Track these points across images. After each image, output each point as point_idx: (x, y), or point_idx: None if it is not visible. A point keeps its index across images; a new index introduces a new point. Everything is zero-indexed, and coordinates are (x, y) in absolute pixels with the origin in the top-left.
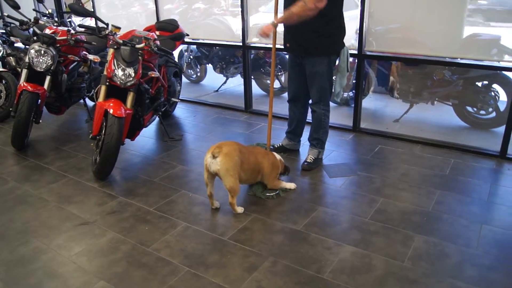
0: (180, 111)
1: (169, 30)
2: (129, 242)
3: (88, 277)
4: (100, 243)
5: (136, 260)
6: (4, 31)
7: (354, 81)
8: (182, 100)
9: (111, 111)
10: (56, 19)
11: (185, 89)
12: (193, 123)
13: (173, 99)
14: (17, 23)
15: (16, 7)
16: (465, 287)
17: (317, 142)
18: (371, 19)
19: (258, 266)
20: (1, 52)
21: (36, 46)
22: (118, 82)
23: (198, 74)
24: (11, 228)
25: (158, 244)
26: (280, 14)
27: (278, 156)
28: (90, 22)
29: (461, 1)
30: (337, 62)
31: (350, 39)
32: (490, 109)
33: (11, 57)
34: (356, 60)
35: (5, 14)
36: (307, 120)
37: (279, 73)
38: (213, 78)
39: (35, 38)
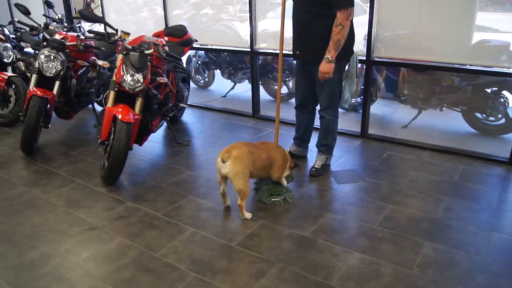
0: (188, 117)
1: (178, 36)
2: (137, 247)
3: (96, 282)
4: (108, 248)
5: (144, 265)
6: (14, 36)
7: (362, 87)
8: (190, 106)
9: (119, 116)
10: (66, 24)
11: (193, 94)
12: (201, 128)
13: (181, 105)
14: (28, 29)
15: (27, 12)
16: None
17: (325, 148)
18: (379, 25)
19: (266, 272)
20: (12, 57)
21: (45, 51)
22: (127, 88)
23: (206, 79)
24: (19, 232)
25: (165, 249)
26: (283, 18)
27: (287, 151)
28: (99, 27)
29: (470, 7)
30: (346, 68)
31: (359, 45)
32: (500, 116)
33: (21, 62)
34: (365, 66)
35: (16, 19)
36: (315, 126)
37: (287, 79)
38: (221, 83)
39: (45, 43)
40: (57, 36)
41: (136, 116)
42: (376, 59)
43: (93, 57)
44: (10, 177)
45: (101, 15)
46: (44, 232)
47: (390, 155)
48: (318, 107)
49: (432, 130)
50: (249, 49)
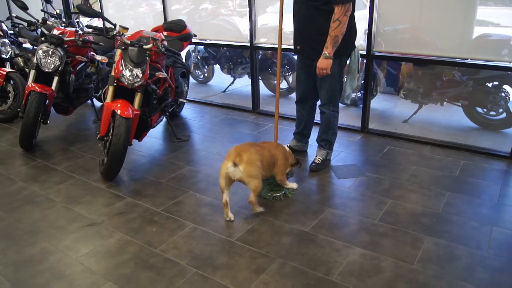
0: (188, 112)
1: (177, 31)
2: (137, 243)
3: (96, 278)
4: (108, 244)
5: (144, 261)
6: (12, 32)
7: (362, 82)
8: (190, 101)
9: (118, 111)
10: (64, 19)
11: (192, 89)
12: (201, 123)
13: (181, 100)
14: (25, 24)
15: (24, 8)
16: None
17: (326, 143)
18: (380, 20)
19: (266, 268)
20: (10, 53)
21: (44, 47)
22: (126, 83)
23: (206, 74)
24: (19, 229)
25: (165, 245)
26: (282, 15)
27: (287, 148)
28: (98, 22)
29: (470, 1)
30: (347, 63)
31: (359, 40)
32: (501, 110)
33: (19, 58)
34: (365, 61)
35: (14, 15)
36: (315, 121)
37: (287, 74)
38: (220, 78)
39: (43, 39)
40: (55, 32)
41: (135, 112)
42: (377, 54)
43: (92, 52)
44: (9, 173)
45: (100, 10)
46: (44, 228)
47: (391, 150)
48: (318, 102)
49: (432, 125)
50: (248, 44)
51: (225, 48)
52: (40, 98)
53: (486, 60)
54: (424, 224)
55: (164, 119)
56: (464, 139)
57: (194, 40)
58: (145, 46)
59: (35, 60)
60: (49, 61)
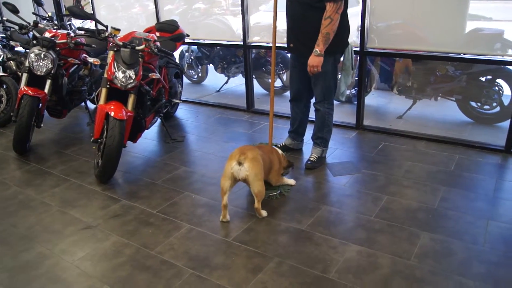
0: (182, 112)
1: (169, 31)
2: (133, 245)
3: (92, 281)
4: (104, 247)
5: (140, 263)
6: (4, 35)
7: (356, 78)
8: (184, 101)
9: (112, 113)
10: (56, 22)
11: (186, 89)
12: (195, 124)
13: (175, 100)
14: (17, 27)
15: (15, 11)
16: (472, 284)
17: (321, 141)
18: (372, 16)
19: (263, 267)
20: (2, 57)
21: (36, 50)
22: (119, 85)
23: (200, 74)
24: (14, 234)
25: (162, 247)
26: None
27: (280, 151)
28: (90, 25)
29: None
30: (341, 60)
31: (352, 36)
32: (494, 104)
33: (11, 62)
34: (358, 57)
35: (5, 18)
36: (310, 119)
37: (281, 72)
38: (214, 78)
39: (34, 42)
40: (47, 34)
41: (129, 113)
42: (370, 50)
43: (84, 55)
44: (3, 178)
45: (92, 12)
46: (39, 232)
47: (386, 146)
48: (313, 100)
49: (427, 120)
50: (242, 43)
51: (218, 47)
52: (33, 101)
53: (479, 54)
54: (420, 219)
55: (159, 120)
56: (458, 134)
57: (187, 40)
58: (137, 47)
59: (27, 64)
60: (41, 64)
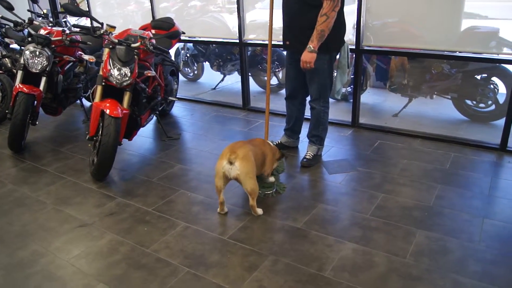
0: (178, 110)
1: (165, 29)
2: (128, 243)
3: (88, 279)
4: (99, 245)
5: (136, 261)
6: None
7: (352, 77)
8: (180, 99)
9: (107, 111)
10: (51, 19)
11: (182, 87)
12: (191, 121)
13: (170, 98)
14: (12, 24)
15: (10, 8)
16: (468, 283)
17: (316, 138)
18: (368, 14)
19: (259, 265)
20: None
21: (30, 47)
22: (114, 82)
23: (195, 72)
24: (9, 232)
25: (157, 245)
26: (275, 12)
27: (271, 143)
28: (85, 22)
29: None
30: (337, 58)
31: (348, 34)
32: (490, 102)
33: (6, 59)
34: (354, 55)
35: None
36: (306, 117)
37: (277, 70)
38: (210, 76)
39: (29, 39)
40: (42, 32)
41: (124, 111)
42: (366, 48)
43: (80, 52)
44: None
45: (87, 9)
46: (34, 230)
47: (382, 144)
48: (308, 98)
49: (422, 118)
50: (237, 41)
51: (214, 45)
52: (28, 99)
53: (474, 52)
54: (416, 217)
55: (154, 117)
56: (454, 132)
57: (183, 37)
58: (133, 45)
59: (22, 61)
60: (36, 61)
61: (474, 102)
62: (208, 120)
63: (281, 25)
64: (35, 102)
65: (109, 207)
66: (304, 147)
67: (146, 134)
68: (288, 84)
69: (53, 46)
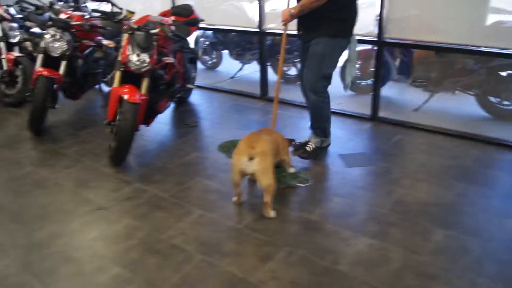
0: (196, 98)
1: (184, 15)
2: (144, 228)
3: (104, 262)
4: (116, 229)
5: (151, 246)
6: (21, 16)
7: (373, 69)
8: (198, 87)
9: (125, 97)
10: (72, 4)
11: (200, 75)
12: (209, 110)
13: (188, 86)
14: (33, 8)
15: None
16: (486, 283)
17: (319, 130)
18: (391, 5)
19: (273, 255)
20: (18, 37)
21: (51, 31)
22: (133, 68)
23: (214, 60)
24: (27, 213)
25: (172, 231)
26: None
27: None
28: (105, 7)
29: None
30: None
31: (369, 26)
32: None
33: (28, 42)
34: (376, 48)
35: None
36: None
37: (296, 60)
38: (229, 64)
39: (50, 23)
40: (63, 16)
41: (142, 97)
42: (388, 40)
43: (99, 37)
44: (18, 157)
45: None
46: (52, 212)
47: (401, 139)
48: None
49: (444, 114)
50: (257, 30)
51: (233, 33)
52: (48, 82)
53: (500, 48)
54: (435, 215)
55: (172, 104)
56: (476, 129)
57: (202, 25)
58: (152, 31)
59: (42, 45)
60: (56, 45)
61: (498, 99)
62: (226, 109)
63: None
64: (55, 85)
65: (126, 192)
66: (333, 141)
67: (164, 121)
68: (302, 75)
69: (73, 30)
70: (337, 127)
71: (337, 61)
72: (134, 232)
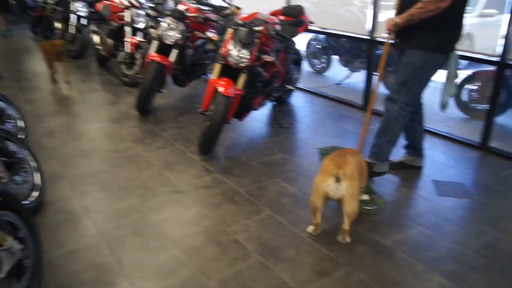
0: (297, 100)
1: (293, 16)
2: (213, 218)
3: (167, 242)
4: (187, 214)
5: (214, 237)
6: (152, 5)
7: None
8: (300, 89)
9: (220, 89)
10: None
11: (306, 78)
12: (306, 113)
13: (289, 87)
14: None
15: None
16: None
17: (376, 150)
18: None
19: (331, 272)
20: (145, 24)
21: (168, 20)
22: (232, 62)
23: (324, 65)
24: (115, 183)
25: (238, 226)
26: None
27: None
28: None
29: None
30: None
31: (494, 45)
32: None
33: (151, 29)
34: (496, 69)
35: None
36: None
37: None
38: (337, 70)
39: (168, 12)
40: (181, 7)
41: (237, 91)
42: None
43: (211, 30)
44: (121, 132)
45: None
46: (136, 187)
47: (510, 175)
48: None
49: None
50: (368, 37)
51: (345, 39)
52: (158, 67)
53: None
54: None
55: (269, 103)
56: None
57: (312, 28)
58: (255, 28)
59: (158, 32)
60: (170, 34)
61: None
62: (323, 115)
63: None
64: (164, 71)
65: (205, 180)
66: (430, 164)
67: (258, 117)
68: None
69: (187, 21)
70: (438, 150)
71: (428, 78)
72: (202, 220)
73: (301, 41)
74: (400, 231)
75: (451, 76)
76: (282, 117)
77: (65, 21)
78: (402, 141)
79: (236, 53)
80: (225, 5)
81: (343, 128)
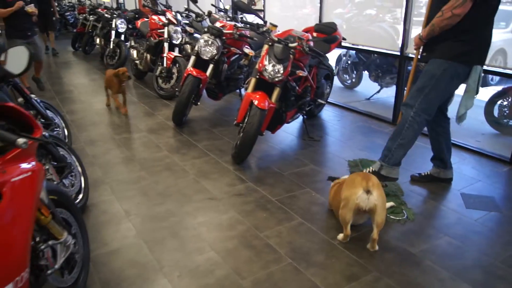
0: (327, 114)
1: (326, 33)
2: (246, 224)
3: (203, 244)
4: (221, 219)
5: (247, 241)
6: (187, 22)
7: None
8: (330, 103)
9: (255, 102)
10: (230, 14)
11: (337, 93)
12: (336, 127)
13: (320, 101)
14: (194, 16)
15: (194, 1)
16: None
17: (386, 152)
18: None
19: (360, 277)
20: (180, 40)
21: (205, 36)
22: (267, 77)
23: (353, 80)
24: (154, 189)
25: (270, 232)
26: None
27: None
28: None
29: None
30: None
31: None
32: None
33: (188, 45)
34: None
35: (185, 7)
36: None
37: None
38: (367, 85)
39: (206, 29)
40: (218, 24)
41: (271, 105)
42: None
43: (246, 46)
44: (158, 142)
45: (262, 8)
46: (173, 193)
47: None
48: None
49: None
50: (398, 53)
51: (375, 55)
52: (195, 81)
53: None
54: None
55: (301, 116)
56: None
57: (345, 44)
58: (290, 44)
59: (196, 48)
60: (207, 49)
61: None
62: (353, 129)
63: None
64: (201, 85)
65: (239, 189)
66: (459, 177)
67: (289, 130)
68: None
69: (224, 38)
70: (467, 165)
71: (446, 87)
72: (236, 225)
73: (331, 56)
74: (427, 241)
75: (470, 89)
76: (313, 131)
77: (105, 37)
78: (430, 153)
79: (271, 68)
80: (261, 22)
81: (372, 142)
